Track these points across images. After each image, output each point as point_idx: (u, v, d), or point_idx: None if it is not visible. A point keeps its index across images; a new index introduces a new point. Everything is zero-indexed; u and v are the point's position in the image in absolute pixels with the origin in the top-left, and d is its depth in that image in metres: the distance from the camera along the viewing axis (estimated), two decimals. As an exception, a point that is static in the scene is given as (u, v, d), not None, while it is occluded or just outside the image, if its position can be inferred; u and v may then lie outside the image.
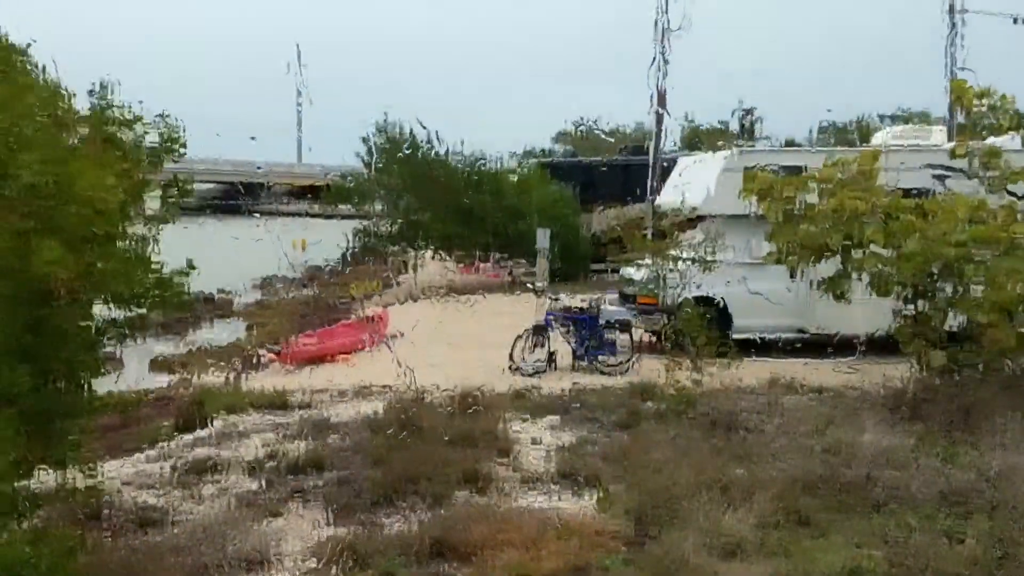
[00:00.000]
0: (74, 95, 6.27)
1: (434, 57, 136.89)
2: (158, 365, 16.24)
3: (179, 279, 6.68)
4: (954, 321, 10.56)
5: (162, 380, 14.48)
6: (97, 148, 6.27)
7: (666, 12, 21.23)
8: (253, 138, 63.39)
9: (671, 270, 13.58)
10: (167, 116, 6.87)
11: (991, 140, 12.05)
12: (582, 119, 47.83)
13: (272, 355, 15.21)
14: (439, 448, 8.40)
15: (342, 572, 6.11)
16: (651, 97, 22.35)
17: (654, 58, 21.66)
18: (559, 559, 6.05)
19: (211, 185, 50.32)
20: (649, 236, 17.34)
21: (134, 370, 12.35)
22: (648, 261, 14.37)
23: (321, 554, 6.37)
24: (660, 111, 22.47)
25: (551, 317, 13.63)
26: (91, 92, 6.53)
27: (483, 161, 26.38)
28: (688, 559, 5.97)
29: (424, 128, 25.19)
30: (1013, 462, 7.76)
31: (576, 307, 14.08)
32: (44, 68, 6.00)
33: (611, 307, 14.20)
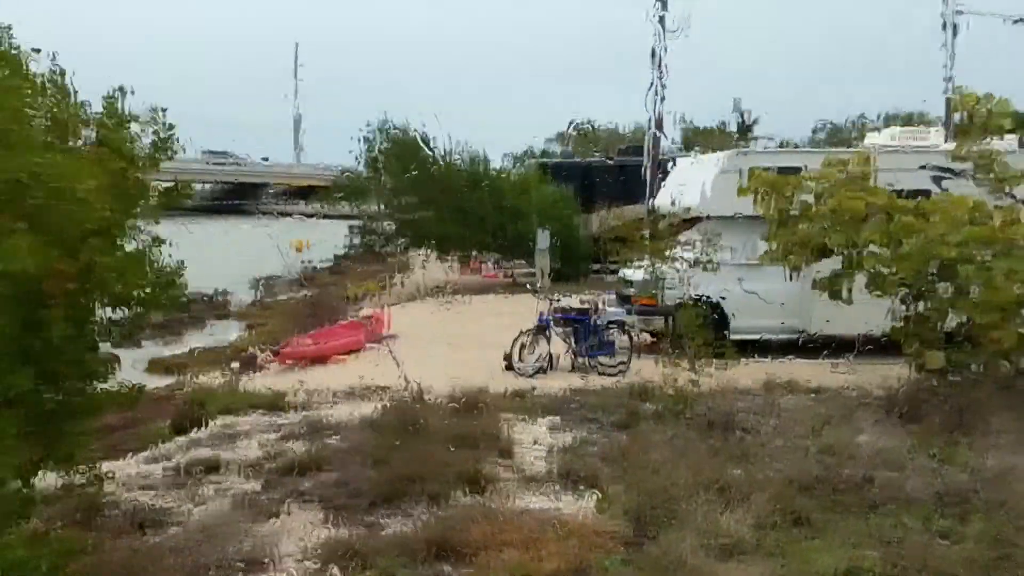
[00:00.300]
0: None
1: (434, 57, 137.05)
2: (157, 366, 16.25)
3: (180, 278, 6.69)
4: (951, 322, 10.58)
5: (161, 381, 14.49)
6: (95, 149, 6.29)
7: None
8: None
9: (671, 268, 13.58)
10: (160, 109, 6.83)
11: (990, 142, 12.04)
12: (580, 124, 47.96)
13: (271, 355, 15.24)
14: (439, 449, 8.41)
15: (342, 573, 6.13)
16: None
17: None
18: (559, 560, 6.07)
19: (212, 185, 50.48)
20: (647, 237, 17.33)
21: (132, 371, 12.36)
22: (646, 262, 14.37)
23: (321, 555, 6.40)
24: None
25: (550, 318, 13.65)
26: (105, 98, 6.53)
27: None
28: (686, 560, 5.99)
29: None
30: (1009, 462, 7.82)
31: (576, 307, 14.09)
32: (43, 71, 6.01)
33: (611, 308, 14.23)
